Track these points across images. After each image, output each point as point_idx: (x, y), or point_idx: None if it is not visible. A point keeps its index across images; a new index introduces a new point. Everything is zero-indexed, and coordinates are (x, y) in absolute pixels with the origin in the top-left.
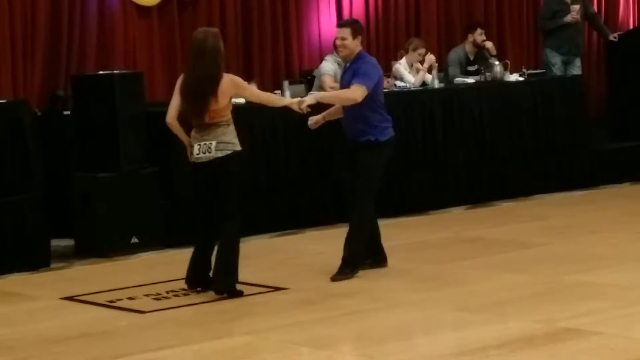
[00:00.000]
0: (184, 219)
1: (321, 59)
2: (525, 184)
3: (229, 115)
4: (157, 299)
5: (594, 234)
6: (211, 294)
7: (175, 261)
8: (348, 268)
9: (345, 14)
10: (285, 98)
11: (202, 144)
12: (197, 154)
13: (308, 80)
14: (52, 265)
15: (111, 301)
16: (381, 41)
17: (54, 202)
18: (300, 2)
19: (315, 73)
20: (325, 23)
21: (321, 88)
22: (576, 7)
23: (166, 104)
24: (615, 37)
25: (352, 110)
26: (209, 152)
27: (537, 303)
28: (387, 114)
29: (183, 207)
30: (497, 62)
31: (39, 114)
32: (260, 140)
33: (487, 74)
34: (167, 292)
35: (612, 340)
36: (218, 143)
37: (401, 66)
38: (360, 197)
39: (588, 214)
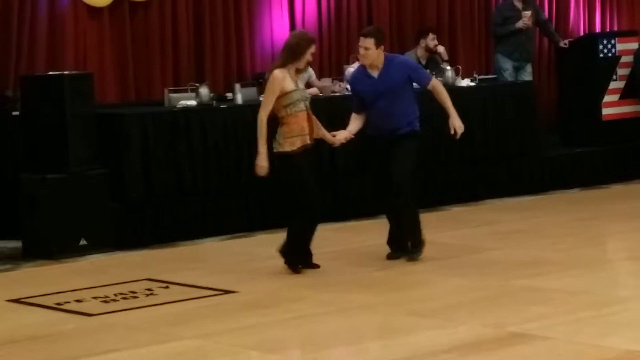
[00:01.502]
0: (134, 221)
1: (273, 62)
2: (476, 189)
3: (281, 113)
4: (106, 302)
5: (543, 240)
6: (164, 297)
7: (124, 264)
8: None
9: (298, 17)
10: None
11: None
12: None
13: (260, 83)
14: None
15: (59, 304)
16: (334, 45)
17: (2, 203)
18: (252, 4)
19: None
20: (277, 26)
21: None
22: (527, 13)
23: (117, 106)
24: (565, 44)
25: (395, 104)
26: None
27: (487, 308)
28: None
29: (133, 210)
30: (448, 67)
31: None
32: (211, 143)
33: (439, 78)
34: (115, 295)
35: (560, 345)
36: (274, 140)
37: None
38: (402, 185)
39: (537, 220)
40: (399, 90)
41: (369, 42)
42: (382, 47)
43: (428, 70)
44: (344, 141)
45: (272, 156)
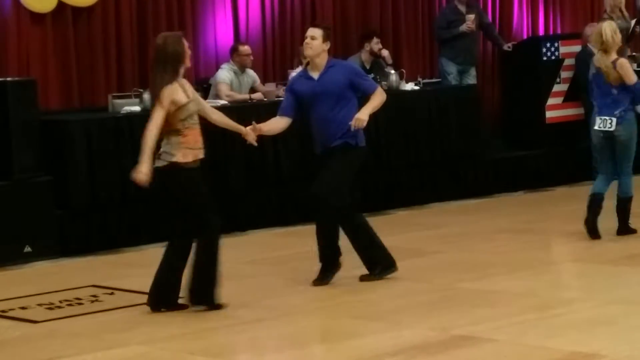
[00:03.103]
0: (78, 228)
1: (217, 67)
2: (420, 193)
3: (178, 127)
4: (50, 309)
5: (488, 242)
6: (109, 303)
7: (69, 270)
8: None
9: (242, 22)
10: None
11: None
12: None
13: (204, 89)
14: None
15: (3, 311)
16: (277, 50)
17: None
18: (196, 10)
19: (212, 81)
20: (221, 31)
21: (217, 96)
22: (471, 16)
23: (61, 112)
24: (509, 47)
25: (333, 111)
26: (157, 160)
27: (432, 311)
28: None
29: (77, 217)
30: (393, 71)
31: None
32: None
33: (383, 82)
34: (60, 302)
35: (505, 347)
36: (162, 152)
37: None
38: (320, 196)
39: (482, 223)
40: (339, 95)
41: (316, 32)
42: (328, 44)
43: (372, 75)
44: (252, 141)
45: (157, 170)
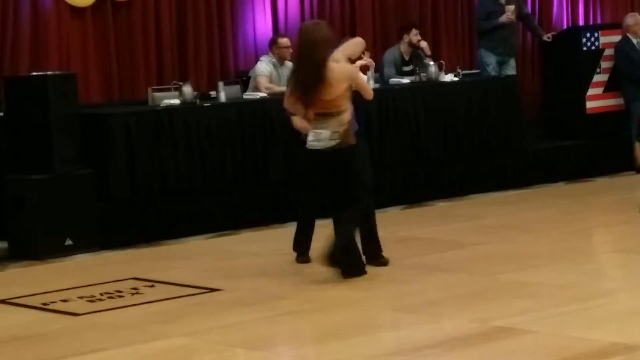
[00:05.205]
0: (119, 220)
1: (256, 60)
2: (460, 184)
3: (344, 106)
4: (92, 301)
5: (529, 234)
6: (150, 296)
7: (110, 263)
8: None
9: (281, 15)
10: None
11: (317, 131)
12: (311, 140)
13: (243, 81)
14: None
15: (45, 304)
16: None
17: None
18: (235, 2)
19: (251, 74)
20: (260, 23)
21: (256, 89)
22: (511, 7)
23: (101, 105)
24: (549, 38)
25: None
26: (320, 141)
27: (472, 302)
28: None
29: (118, 209)
30: (432, 63)
31: None
32: (196, 141)
33: (422, 74)
34: (101, 294)
35: (546, 339)
36: (333, 132)
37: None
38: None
39: (522, 214)
40: None
41: None
42: None
43: (411, 66)
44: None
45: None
